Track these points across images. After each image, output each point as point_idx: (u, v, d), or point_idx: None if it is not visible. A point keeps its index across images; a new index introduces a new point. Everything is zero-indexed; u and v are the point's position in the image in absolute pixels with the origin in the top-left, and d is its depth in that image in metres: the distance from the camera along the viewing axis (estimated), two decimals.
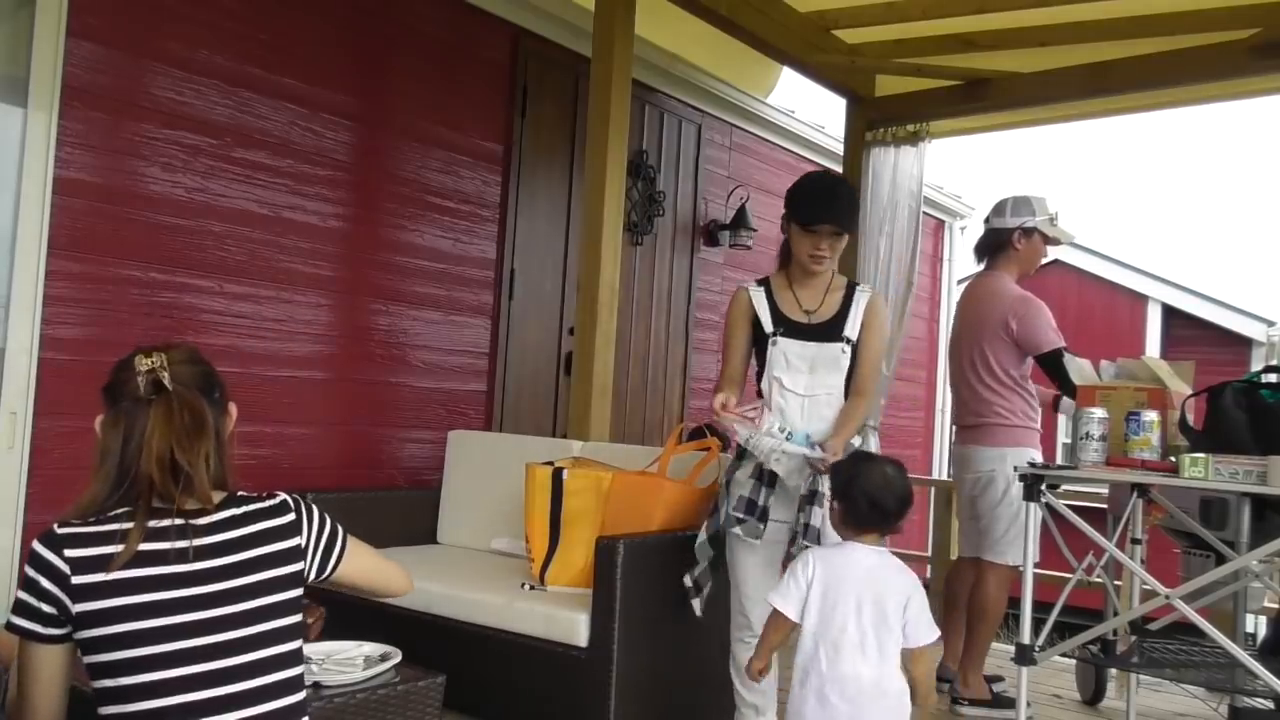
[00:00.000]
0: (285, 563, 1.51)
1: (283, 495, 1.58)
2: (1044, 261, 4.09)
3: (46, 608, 1.36)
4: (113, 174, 3.38)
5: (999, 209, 3.89)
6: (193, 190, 3.58)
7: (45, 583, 1.36)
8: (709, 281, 5.96)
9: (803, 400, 2.74)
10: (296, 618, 1.51)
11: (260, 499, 1.55)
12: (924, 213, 5.97)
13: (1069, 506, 2.85)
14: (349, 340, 4.09)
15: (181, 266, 3.56)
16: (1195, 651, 3.00)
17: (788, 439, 2.62)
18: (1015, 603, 3.03)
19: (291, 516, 1.55)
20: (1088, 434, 2.79)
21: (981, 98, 5.02)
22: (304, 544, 1.54)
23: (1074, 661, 4.05)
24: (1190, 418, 2.85)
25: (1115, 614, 3.22)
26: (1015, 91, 4.94)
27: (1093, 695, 3.94)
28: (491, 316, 4.67)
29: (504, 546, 3.66)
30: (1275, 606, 3.42)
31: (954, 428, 4.06)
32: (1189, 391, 2.95)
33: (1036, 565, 2.90)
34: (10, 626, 1.40)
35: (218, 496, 1.51)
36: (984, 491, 3.75)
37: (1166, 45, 4.37)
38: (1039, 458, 3.63)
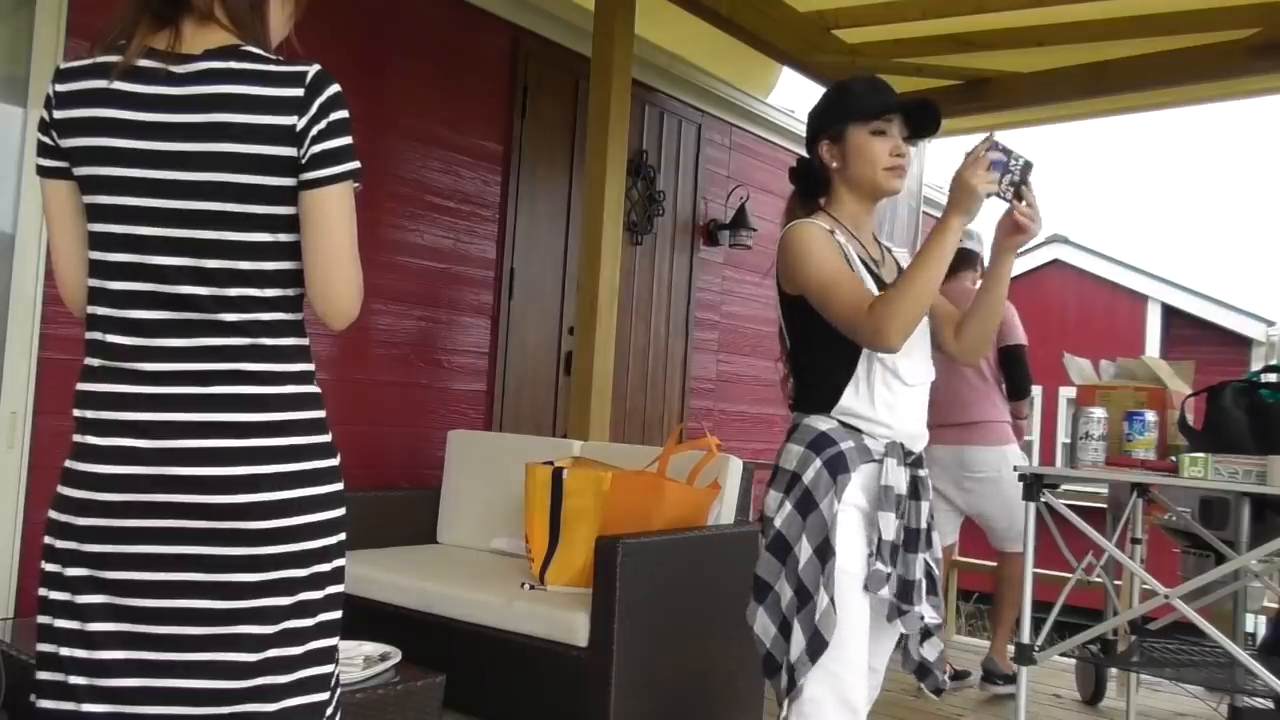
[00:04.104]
0: (263, 140, 1.31)
1: (311, 69, 1.36)
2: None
3: (44, 137, 1.37)
4: None
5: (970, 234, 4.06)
6: None
7: (44, 113, 1.38)
8: (709, 281, 5.96)
9: (916, 396, 2.02)
10: (276, 210, 1.33)
11: (272, 61, 1.35)
12: (924, 212, 5.97)
13: (1069, 506, 2.85)
14: (349, 340, 4.09)
15: None
16: (1195, 651, 3.00)
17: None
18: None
19: (298, 92, 1.33)
20: (1087, 434, 2.79)
21: (981, 98, 5.02)
22: (299, 127, 1.33)
23: (1074, 661, 4.06)
24: (1190, 418, 2.85)
25: (1115, 614, 3.22)
26: (1015, 91, 4.94)
27: (1093, 695, 3.95)
28: (491, 316, 4.67)
29: (504, 546, 3.66)
30: (1275, 606, 3.43)
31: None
32: (1189, 391, 2.96)
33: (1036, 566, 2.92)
34: (36, 168, 1.42)
35: (219, 39, 1.36)
36: (995, 491, 3.93)
37: (1166, 45, 4.37)
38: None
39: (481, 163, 4.59)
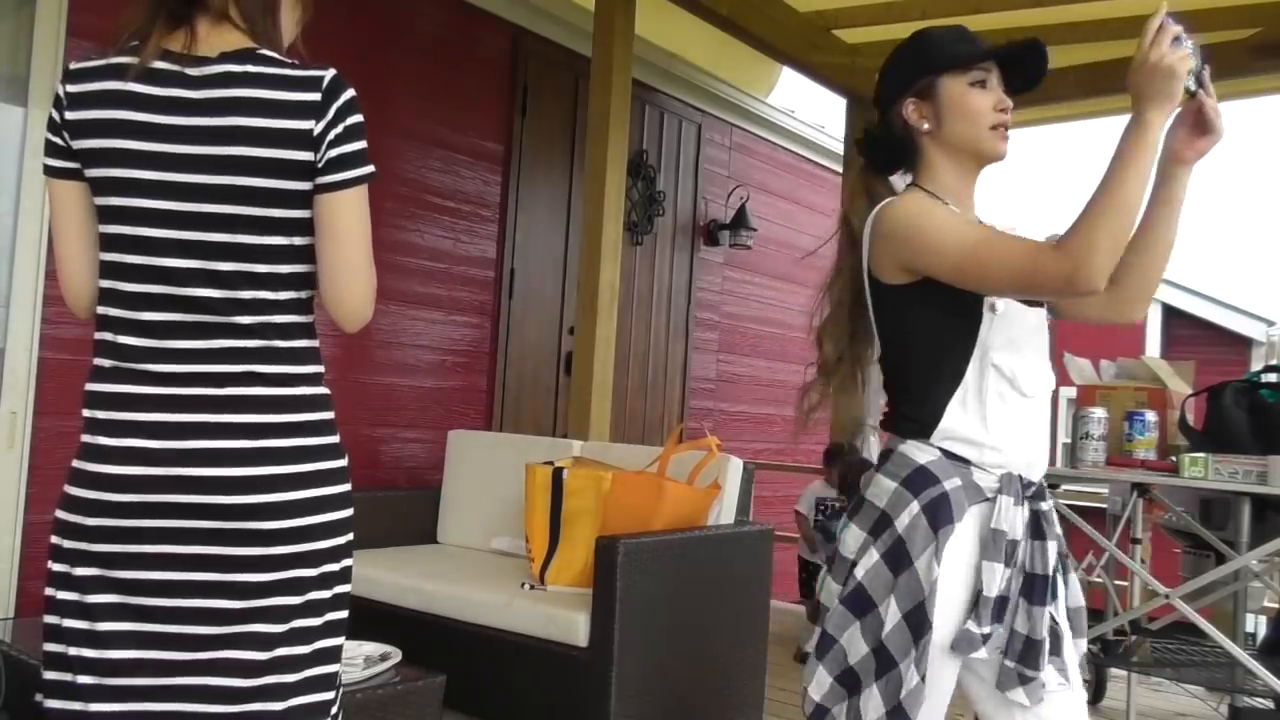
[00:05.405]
0: (280, 144, 1.31)
1: (327, 74, 1.35)
2: None
3: (55, 138, 1.36)
4: None
5: None
6: None
7: (54, 113, 1.36)
8: (709, 281, 5.96)
9: (1036, 411, 1.64)
10: (291, 214, 1.33)
11: (288, 65, 1.35)
12: None
13: (1069, 506, 2.85)
14: (349, 340, 4.09)
15: None
16: (1195, 651, 3.00)
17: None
18: None
19: (315, 97, 1.33)
20: (1088, 434, 2.79)
21: None
22: (316, 131, 1.32)
23: None
24: (1190, 418, 2.85)
25: (1115, 614, 3.22)
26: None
27: (1093, 695, 3.95)
28: (491, 316, 4.67)
29: (504, 546, 3.66)
30: (1275, 606, 3.43)
31: None
32: (1189, 391, 2.96)
33: None
34: (44, 168, 1.40)
35: (234, 41, 1.35)
36: None
37: None
38: None
39: (481, 163, 4.59)
